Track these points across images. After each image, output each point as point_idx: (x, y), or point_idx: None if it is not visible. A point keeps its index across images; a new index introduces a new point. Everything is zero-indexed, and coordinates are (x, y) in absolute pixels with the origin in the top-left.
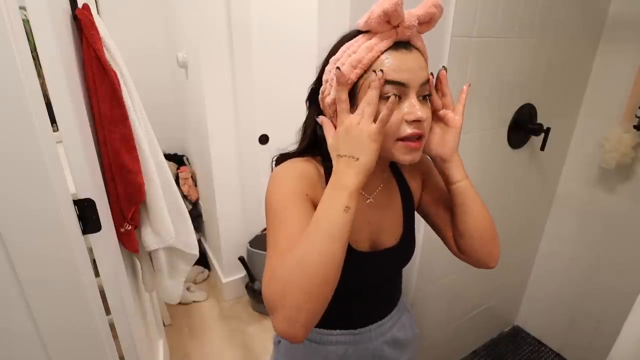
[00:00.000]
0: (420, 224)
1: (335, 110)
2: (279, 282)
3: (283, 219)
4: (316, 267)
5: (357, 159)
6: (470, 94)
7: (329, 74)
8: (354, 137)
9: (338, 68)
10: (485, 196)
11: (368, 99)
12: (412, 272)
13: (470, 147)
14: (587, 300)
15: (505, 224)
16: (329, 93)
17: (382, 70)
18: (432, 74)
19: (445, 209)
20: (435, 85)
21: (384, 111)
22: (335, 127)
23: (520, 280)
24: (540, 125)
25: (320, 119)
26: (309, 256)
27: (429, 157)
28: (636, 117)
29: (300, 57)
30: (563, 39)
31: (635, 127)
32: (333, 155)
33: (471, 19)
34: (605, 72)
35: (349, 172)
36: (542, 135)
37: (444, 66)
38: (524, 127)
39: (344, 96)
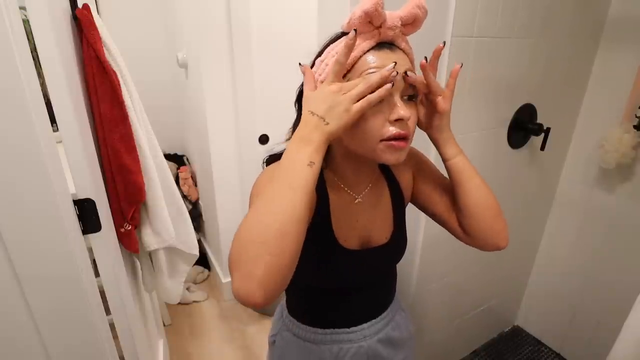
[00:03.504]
0: (420, 223)
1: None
2: (237, 239)
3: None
4: (273, 216)
5: (328, 123)
6: (470, 94)
7: (315, 75)
8: (333, 102)
9: (355, 30)
10: None
11: (369, 80)
12: (412, 272)
13: (470, 147)
14: (587, 300)
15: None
16: None
17: (395, 63)
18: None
19: (444, 194)
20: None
21: (374, 94)
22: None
23: (520, 280)
24: (540, 125)
25: (304, 67)
26: (267, 205)
27: (418, 150)
28: (636, 117)
29: (301, 57)
30: (563, 39)
31: (635, 127)
32: (305, 108)
33: (471, 19)
34: (605, 72)
35: (316, 131)
36: (542, 135)
37: (425, 57)
38: (524, 127)
39: (344, 60)
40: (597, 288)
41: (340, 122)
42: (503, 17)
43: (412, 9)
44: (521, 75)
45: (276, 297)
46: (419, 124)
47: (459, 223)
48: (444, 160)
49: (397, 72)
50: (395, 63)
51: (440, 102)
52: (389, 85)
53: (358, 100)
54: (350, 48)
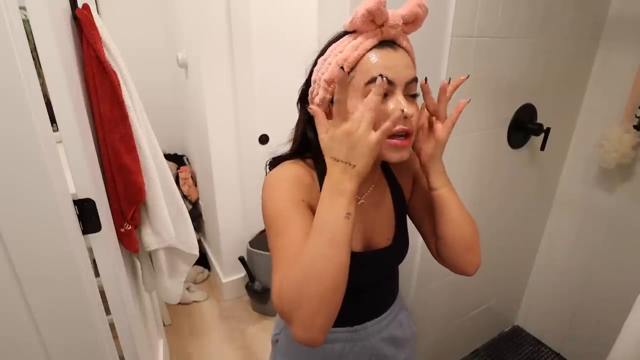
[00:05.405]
0: None
1: (326, 110)
2: (290, 291)
3: (284, 229)
4: (325, 276)
5: (354, 166)
6: (470, 94)
7: (317, 74)
8: (352, 144)
9: (342, 68)
10: (485, 196)
11: (369, 103)
12: (412, 272)
13: (470, 147)
14: (587, 300)
15: (505, 224)
16: (317, 93)
17: (381, 76)
18: (417, 78)
19: (428, 214)
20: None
21: (387, 123)
22: (330, 121)
23: (520, 280)
24: (540, 125)
25: (313, 109)
26: (317, 265)
27: None
28: (636, 117)
29: (300, 57)
30: (563, 39)
31: (635, 127)
32: (327, 155)
33: (471, 19)
34: (605, 72)
35: (345, 177)
36: (542, 135)
37: (449, 78)
38: (524, 127)
39: (343, 97)
40: (597, 288)
41: (366, 158)
42: (503, 16)
43: (414, 7)
44: (521, 75)
45: None
46: (414, 147)
47: (435, 245)
48: (430, 189)
49: (383, 76)
50: (382, 75)
51: (439, 129)
52: (398, 112)
53: (373, 129)
54: (344, 85)
